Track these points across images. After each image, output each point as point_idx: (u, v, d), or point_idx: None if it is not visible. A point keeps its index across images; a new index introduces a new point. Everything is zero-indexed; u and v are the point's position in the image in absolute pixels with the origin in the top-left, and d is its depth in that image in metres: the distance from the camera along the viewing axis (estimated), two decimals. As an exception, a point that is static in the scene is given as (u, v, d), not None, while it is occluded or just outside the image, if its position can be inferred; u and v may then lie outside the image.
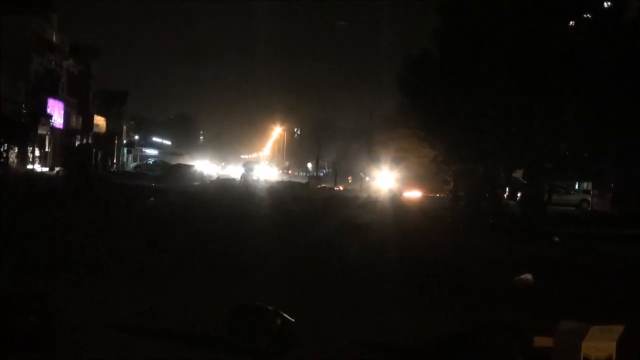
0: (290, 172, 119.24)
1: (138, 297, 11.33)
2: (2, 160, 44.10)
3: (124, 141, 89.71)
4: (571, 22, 34.53)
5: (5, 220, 19.17)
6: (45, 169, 54.91)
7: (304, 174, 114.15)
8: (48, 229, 18.93)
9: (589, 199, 55.94)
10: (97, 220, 21.79)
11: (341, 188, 68.62)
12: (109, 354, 8.44)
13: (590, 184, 56.10)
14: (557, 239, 26.49)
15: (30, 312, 8.42)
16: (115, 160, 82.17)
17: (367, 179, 72.70)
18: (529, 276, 14.77)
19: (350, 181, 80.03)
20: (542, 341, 8.81)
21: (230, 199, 37.04)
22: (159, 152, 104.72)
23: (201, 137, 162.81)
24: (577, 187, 59.42)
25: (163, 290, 12.07)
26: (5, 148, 44.84)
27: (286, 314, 8.75)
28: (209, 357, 8.68)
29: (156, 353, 8.65)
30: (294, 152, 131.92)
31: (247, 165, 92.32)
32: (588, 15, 34.65)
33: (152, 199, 33.17)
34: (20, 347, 8.16)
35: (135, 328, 9.48)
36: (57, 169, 55.32)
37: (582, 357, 8.29)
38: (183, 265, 14.85)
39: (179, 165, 72.59)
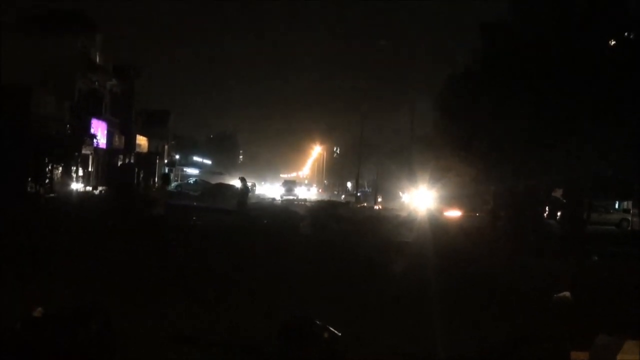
0: (320, 191, 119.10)
1: (191, 312, 11.77)
2: (47, 179, 44.85)
3: (165, 160, 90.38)
4: (612, 42, 34.47)
5: (60, 239, 19.79)
6: (89, 188, 55.69)
7: (342, 193, 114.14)
8: (103, 248, 19.53)
9: (629, 218, 55.70)
10: (147, 240, 22.28)
11: (380, 207, 68.84)
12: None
13: (630, 203, 55.86)
14: (596, 257, 26.54)
15: (92, 326, 8.86)
16: (156, 180, 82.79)
17: (405, 198, 72.83)
18: (567, 294, 14.96)
19: (380, 200, 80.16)
20: (578, 356, 9.04)
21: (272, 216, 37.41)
22: (200, 172, 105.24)
23: (240, 156, 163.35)
24: (617, 206, 59.17)
25: (214, 305, 12.50)
26: (50, 168, 45.55)
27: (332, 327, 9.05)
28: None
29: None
30: (333, 171, 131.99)
31: (287, 185, 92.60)
32: (630, 34, 34.55)
33: (194, 218, 33.72)
34: (82, 358, 8.59)
35: (189, 340, 9.86)
36: (99, 188, 56.13)
37: (617, 371, 8.53)
38: (230, 281, 15.29)
39: (220, 185, 73.05)
